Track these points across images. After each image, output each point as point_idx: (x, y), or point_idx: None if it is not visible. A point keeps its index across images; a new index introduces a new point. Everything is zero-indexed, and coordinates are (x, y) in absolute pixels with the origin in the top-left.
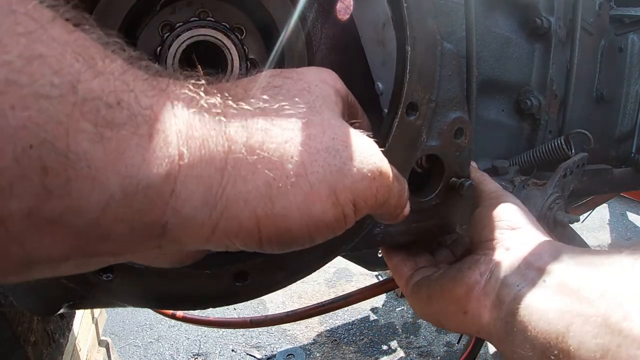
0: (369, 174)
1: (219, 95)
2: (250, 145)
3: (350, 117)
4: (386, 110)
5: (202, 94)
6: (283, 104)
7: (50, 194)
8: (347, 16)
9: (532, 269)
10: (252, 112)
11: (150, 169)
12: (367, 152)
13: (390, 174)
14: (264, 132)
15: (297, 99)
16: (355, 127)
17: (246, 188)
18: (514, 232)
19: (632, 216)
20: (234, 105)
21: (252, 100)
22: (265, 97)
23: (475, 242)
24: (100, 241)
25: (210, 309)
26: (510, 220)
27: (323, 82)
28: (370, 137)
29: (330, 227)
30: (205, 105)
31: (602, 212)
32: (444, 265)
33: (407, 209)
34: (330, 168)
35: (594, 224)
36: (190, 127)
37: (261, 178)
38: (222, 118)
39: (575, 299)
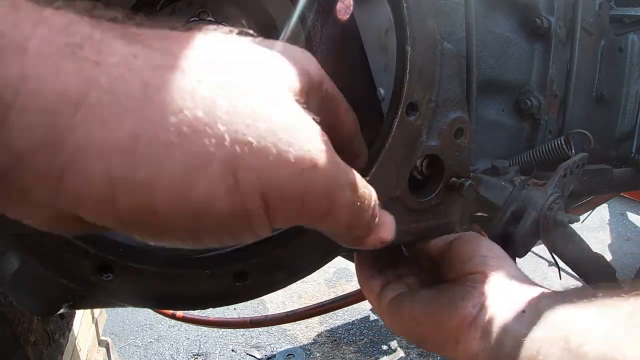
0: (294, 162)
1: (121, 20)
2: (125, 80)
3: (325, 112)
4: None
5: (91, 17)
6: (211, 45)
7: None
8: (347, 16)
9: (517, 302)
10: (152, 43)
11: None
12: (303, 135)
13: (335, 173)
14: (154, 68)
15: (244, 50)
16: (331, 126)
17: (103, 135)
18: (498, 268)
19: (632, 216)
20: (135, 31)
21: (166, 31)
22: (193, 34)
23: (459, 271)
24: None
25: (210, 309)
26: (493, 255)
27: (289, 55)
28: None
29: (223, 222)
30: (88, 27)
31: (602, 212)
32: (412, 280)
33: (386, 234)
34: (237, 138)
35: (594, 224)
36: (48, 47)
37: (127, 127)
38: (103, 43)
39: (543, 325)
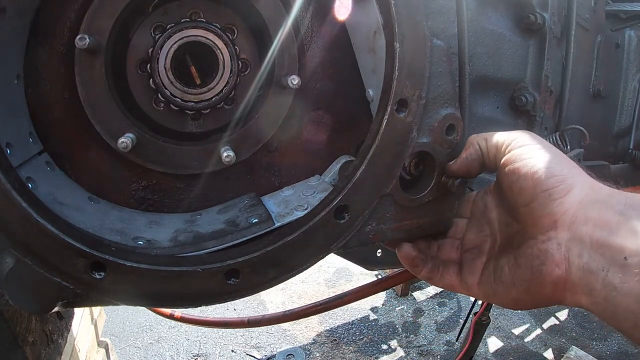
0: None
1: None
2: None
3: None
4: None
5: None
6: None
7: None
8: (347, 16)
9: (608, 247)
10: None
11: None
12: None
13: None
14: None
15: None
16: None
17: None
18: (564, 199)
19: None
20: None
21: None
22: None
23: (526, 218)
24: None
25: (210, 309)
26: (552, 180)
27: None
28: None
29: None
30: None
31: None
32: (486, 246)
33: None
34: None
35: None
36: None
37: None
38: None
39: None
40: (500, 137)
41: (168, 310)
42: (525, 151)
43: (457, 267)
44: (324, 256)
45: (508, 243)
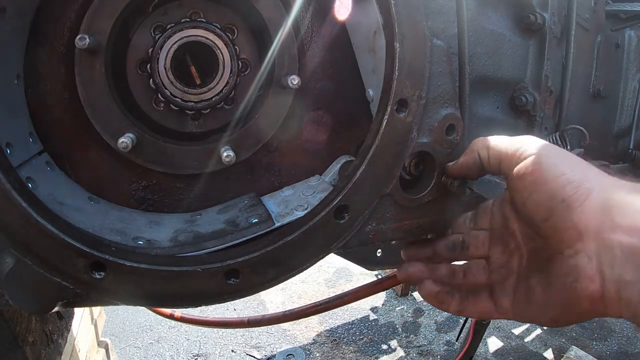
0: None
1: None
2: None
3: None
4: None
5: None
6: None
7: None
8: (347, 16)
9: (636, 253)
10: None
11: None
12: None
13: None
14: None
15: None
16: None
17: None
18: (584, 206)
19: None
20: None
21: None
22: None
23: (548, 231)
24: None
25: (210, 309)
26: (567, 187)
27: None
28: None
29: None
30: None
31: None
32: (515, 263)
33: None
34: None
35: None
36: None
37: None
38: None
39: None
40: (502, 149)
41: (168, 310)
42: (533, 162)
43: (488, 290)
44: (324, 256)
45: (535, 257)
